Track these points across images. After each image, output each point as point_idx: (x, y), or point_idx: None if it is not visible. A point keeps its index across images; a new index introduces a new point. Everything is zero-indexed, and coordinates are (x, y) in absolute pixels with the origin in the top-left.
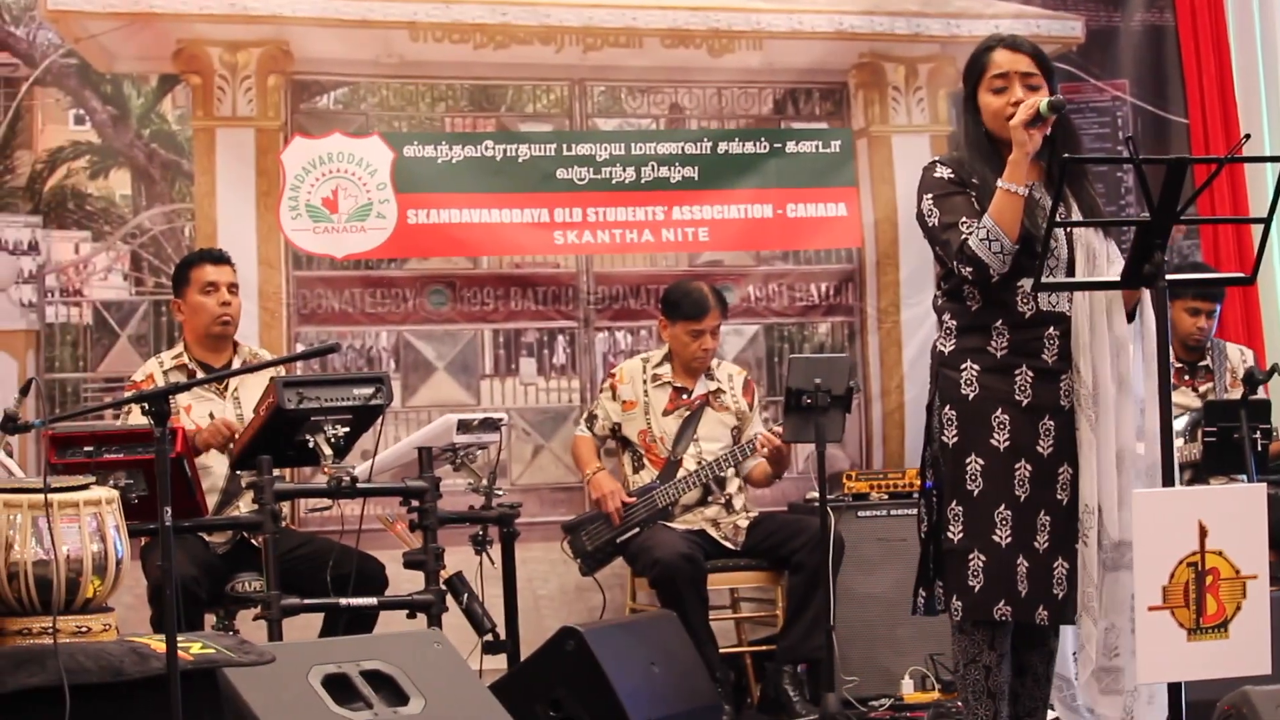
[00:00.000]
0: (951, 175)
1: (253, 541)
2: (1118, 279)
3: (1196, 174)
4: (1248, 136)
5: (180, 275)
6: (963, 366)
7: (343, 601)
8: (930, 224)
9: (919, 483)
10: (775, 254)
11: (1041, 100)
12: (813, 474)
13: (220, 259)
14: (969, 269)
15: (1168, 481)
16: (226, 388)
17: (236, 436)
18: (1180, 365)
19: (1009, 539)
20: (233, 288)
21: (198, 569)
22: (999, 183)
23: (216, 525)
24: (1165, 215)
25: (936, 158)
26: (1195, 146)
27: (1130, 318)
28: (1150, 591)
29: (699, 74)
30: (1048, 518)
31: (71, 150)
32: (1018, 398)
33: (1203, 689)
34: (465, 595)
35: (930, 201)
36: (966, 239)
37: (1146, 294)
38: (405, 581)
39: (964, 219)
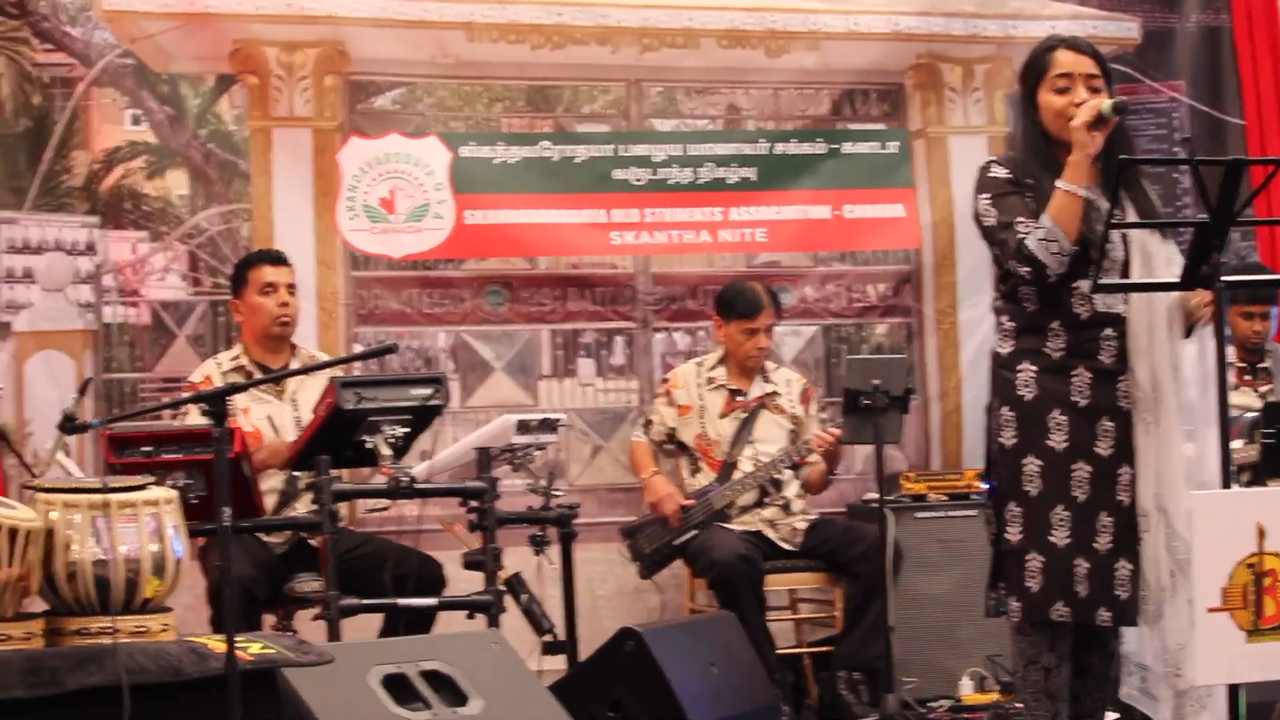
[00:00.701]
0: (1008, 175)
1: (311, 542)
2: (1176, 279)
3: (1253, 175)
4: None
5: (238, 276)
6: (1020, 368)
7: (401, 602)
8: (987, 224)
9: (977, 484)
10: (833, 255)
11: (1104, 102)
12: (871, 475)
13: (278, 260)
14: (1026, 269)
15: (1226, 483)
16: (284, 389)
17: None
18: (1241, 365)
19: (1067, 540)
20: (291, 288)
21: (256, 569)
22: (1058, 184)
23: (275, 526)
24: (1223, 217)
25: (992, 158)
26: (1251, 147)
27: (1188, 334)
28: (1208, 593)
29: (756, 75)
30: (1110, 519)
31: (128, 150)
32: (1075, 399)
33: (1262, 690)
34: (524, 596)
35: (987, 202)
36: (1024, 239)
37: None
38: (464, 582)
39: (1021, 219)
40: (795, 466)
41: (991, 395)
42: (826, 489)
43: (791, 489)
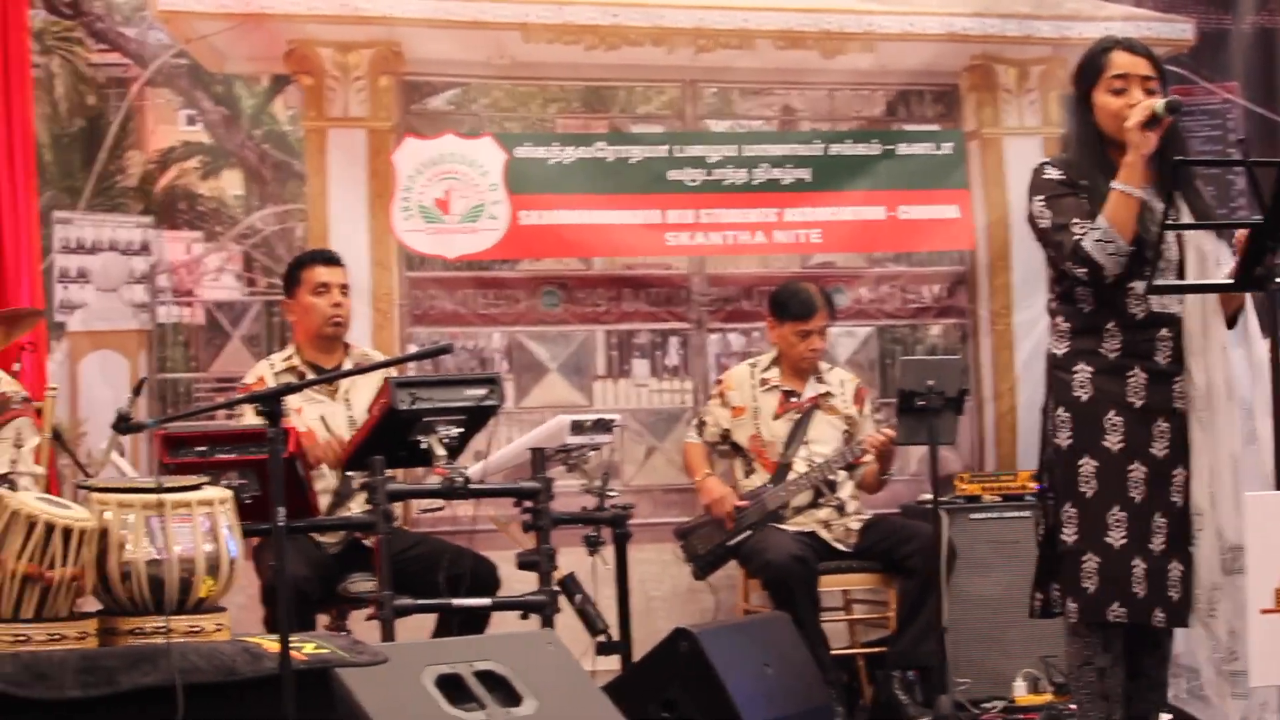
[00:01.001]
0: (1061, 177)
1: (365, 542)
2: (1229, 281)
3: None
4: None
5: (291, 276)
6: (1075, 369)
7: (455, 602)
8: (1042, 226)
9: (1031, 485)
10: (887, 256)
11: (1158, 102)
12: (925, 476)
13: (332, 260)
14: (1082, 270)
15: (1279, 484)
16: (338, 389)
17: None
18: None
19: (1123, 540)
20: (344, 289)
21: (310, 569)
22: (1114, 184)
23: (329, 526)
24: (1277, 218)
25: (1046, 160)
26: None
27: (1231, 324)
28: (1262, 594)
29: (811, 75)
30: (1163, 520)
31: (183, 150)
32: (1130, 399)
33: None
34: (578, 596)
35: (1041, 203)
36: (1080, 240)
37: (1249, 299)
38: (518, 582)
39: (1076, 220)
40: (850, 467)
41: (1047, 396)
42: (881, 489)
43: (846, 489)
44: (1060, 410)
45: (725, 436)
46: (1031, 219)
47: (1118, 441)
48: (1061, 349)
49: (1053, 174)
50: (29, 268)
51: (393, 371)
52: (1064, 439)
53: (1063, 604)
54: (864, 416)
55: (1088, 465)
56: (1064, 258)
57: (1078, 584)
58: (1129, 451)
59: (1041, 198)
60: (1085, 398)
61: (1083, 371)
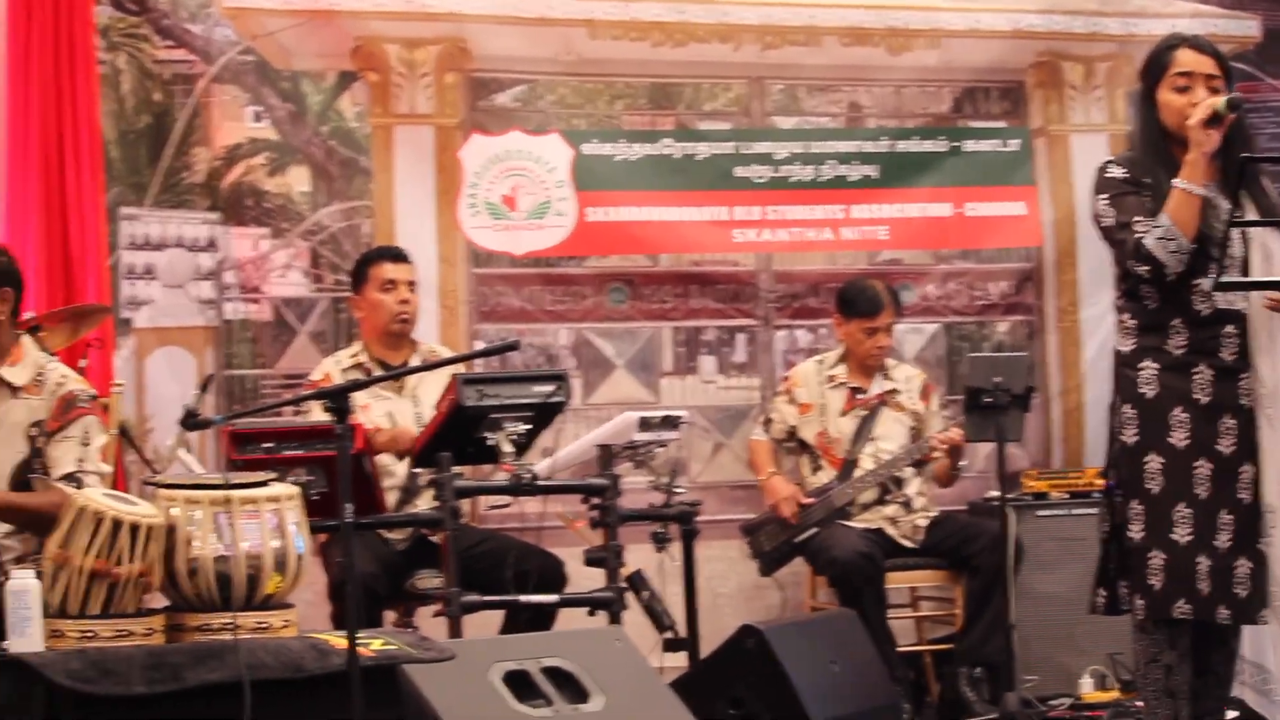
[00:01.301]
0: (1125, 175)
1: (432, 539)
2: None
3: None
4: None
5: (359, 272)
6: (1141, 365)
7: (522, 598)
8: (1105, 224)
9: (1098, 482)
10: (954, 253)
11: (1220, 100)
12: (992, 473)
13: (399, 256)
14: (1145, 268)
15: None
16: (405, 386)
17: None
18: None
19: (1189, 537)
20: (412, 285)
21: (377, 566)
22: (1175, 182)
23: (397, 522)
24: None
25: (1109, 158)
26: None
27: None
28: None
29: (877, 72)
30: (1230, 516)
31: (249, 147)
32: (1196, 396)
33: None
34: (645, 593)
35: (1105, 202)
36: (1142, 238)
37: None
38: (585, 579)
39: (1139, 218)
40: (917, 464)
41: (1114, 393)
42: (952, 484)
43: (912, 486)
44: (1126, 407)
45: (792, 434)
46: (1095, 217)
47: (1184, 438)
48: (1127, 346)
49: (1116, 172)
50: (96, 264)
51: (460, 368)
52: (1130, 435)
53: (1130, 601)
54: (931, 413)
55: (1154, 462)
56: (1127, 256)
57: (1144, 581)
58: (1195, 448)
59: (1105, 196)
60: (1151, 394)
61: (1149, 368)
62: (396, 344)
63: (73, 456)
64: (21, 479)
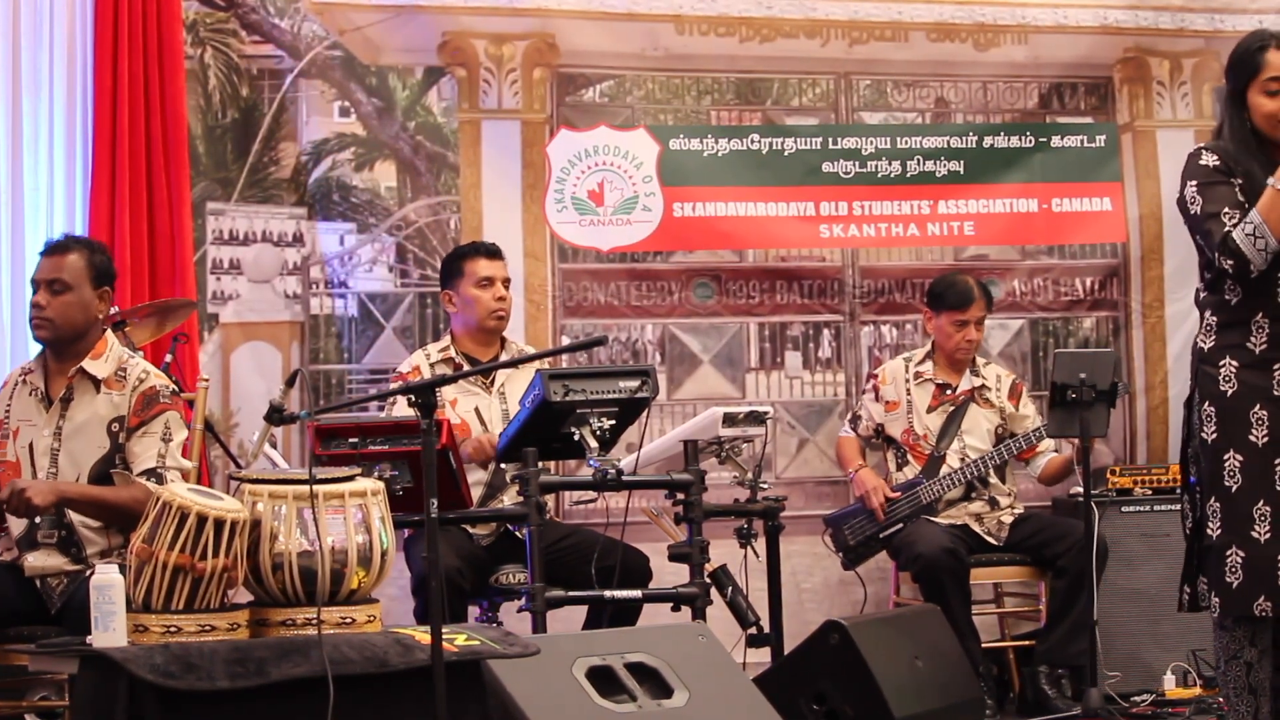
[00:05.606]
0: (1218, 163)
1: (517, 534)
2: None
3: None
4: None
5: (452, 267)
6: (1222, 363)
7: (607, 594)
8: (1192, 211)
9: (1182, 479)
10: (1040, 248)
11: None
12: (1077, 469)
13: (494, 253)
14: (1230, 261)
15: None
16: (493, 383)
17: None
18: None
19: (1268, 534)
20: (507, 282)
21: (462, 561)
22: (1271, 181)
23: (481, 518)
24: None
25: (1203, 145)
26: None
27: None
28: None
29: (964, 68)
30: None
31: (336, 142)
32: (1277, 393)
33: None
34: (730, 588)
35: (1194, 189)
36: (1230, 231)
37: None
38: (670, 574)
39: (1227, 210)
40: (1003, 464)
41: (1193, 390)
42: (1063, 480)
43: (1000, 484)
44: (1206, 404)
45: (879, 430)
46: (1182, 203)
47: (1263, 436)
48: (1208, 343)
49: (1209, 160)
50: (182, 259)
51: (546, 364)
52: (1209, 433)
53: (1209, 598)
54: (1021, 414)
55: (1233, 460)
56: (1212, 247)
57: (1223, 578)
58: (1274, 446)
59: (1195, 183)
60: (1230, 392)
61: (1228, 365)
62: (488, 340)
63: (154, 452)
64: (103, 473)
